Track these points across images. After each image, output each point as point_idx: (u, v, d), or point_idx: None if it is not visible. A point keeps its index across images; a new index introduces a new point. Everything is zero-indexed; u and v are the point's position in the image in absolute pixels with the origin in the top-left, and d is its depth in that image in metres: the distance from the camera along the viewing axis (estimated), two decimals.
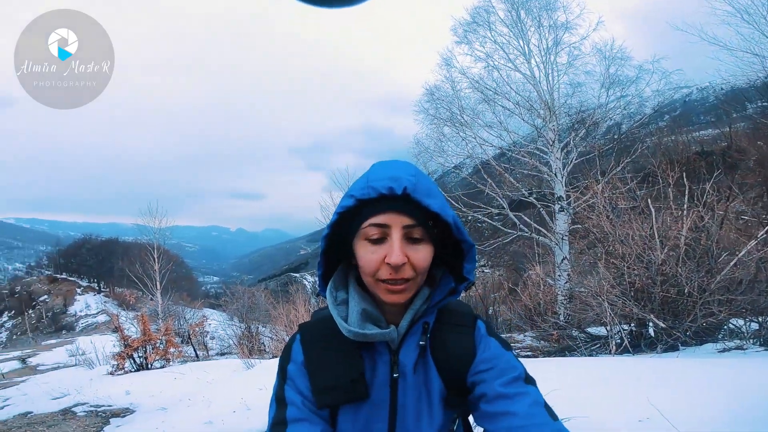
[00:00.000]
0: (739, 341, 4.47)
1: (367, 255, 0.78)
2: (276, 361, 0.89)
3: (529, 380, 0.81)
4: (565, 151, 11.29)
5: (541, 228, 11.18)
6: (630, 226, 5.53)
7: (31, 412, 5.75)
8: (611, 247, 5.74)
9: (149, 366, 8.18)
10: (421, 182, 0.78)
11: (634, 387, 2.70)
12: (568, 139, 11.35)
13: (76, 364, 10.08)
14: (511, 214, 11.41)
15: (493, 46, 11.58)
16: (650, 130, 12.20)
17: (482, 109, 11.96)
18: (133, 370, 8.05)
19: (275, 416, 0.82)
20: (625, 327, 5.47)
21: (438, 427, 0.84)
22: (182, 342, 12.03)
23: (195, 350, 12.12)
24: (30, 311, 42.82)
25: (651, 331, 5.21)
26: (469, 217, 11.79)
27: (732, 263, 4.83)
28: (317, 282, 0.90)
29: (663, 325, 4.78)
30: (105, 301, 46.19)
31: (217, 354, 12.92)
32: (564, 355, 5.74)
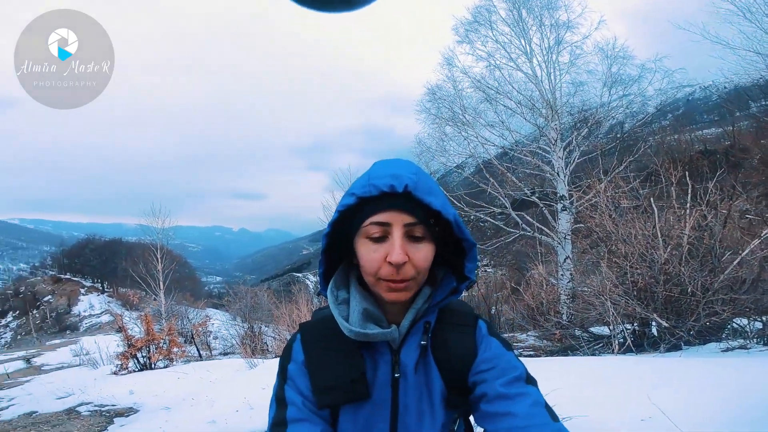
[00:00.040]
0: (742, 340, 4.46)
1: (368, 254, 0.77)
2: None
3: (530, 380, 0.80)
4: (567, 150, 11.25)
5: (543, 227, 11.15)
6: (633, 225, 5.52)
7: (36, 412, 5.79)
8: (614, 247, 5.72)
9: (153, 366, 8.22)
10: (422, 180, 0.77)
11: (636, 386, 2.70)
12: (571, 138, 11.31)
13: (80, 364, 10.13)
14: (513, 214, 11.38)
15: (494, 45, 11.55)
16: (653, 129, 12.15)
17: (484, 109, 11.92)
18: (136, 369, 8.09)
19: (275, 416, 0.81)
20: (628, 326, 5.45)
21: (440, 427, 0.84)
22: (185, 342, 12.05)
23: (198, 350, 12.14)
24: (34, 311, 43.02)
25: (654, 330, 5.20)
26: (472, 217, 11.76)
27: (735, 262, 4.81)
28: (318, 281, 0.90)
29: (666, 325, 4.77)
30: (109, 301, 46.30)
31: (220, 354, 12.94)
32: (567, 355, 5.73)
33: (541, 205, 11.42)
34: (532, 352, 6.71)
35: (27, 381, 8.53)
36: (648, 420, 2.20)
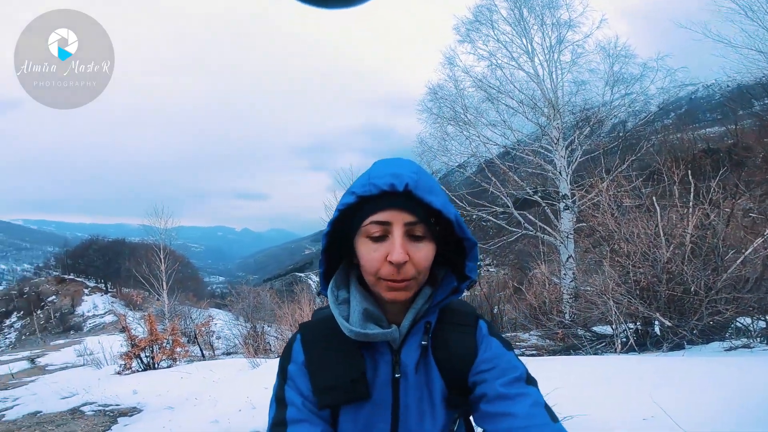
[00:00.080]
0: (746, 340, 4.43)
1: (368, 253, 0.77)
2: None
3: (530, 381, 0.80)
4: (569, 149, 11.24)
5: (546, 226, 11.14)
6: (635, 224, 5.50)
7: (41, 412, 5.81)
8: (616, 246, 5.71)
9: (156, 365, 8.25)
10: (422, 179, 0.77)
11: (638, 385, 2.69)
12: (573, 137, 11.30)
13: (84, 364, 10.17)
14: (515, 213, 11.37)
15: (496, 44, 11.56)
16: (655, 128, 12.12)
17: (486, 108, 11.93)
18: (140, 369, 8.12)
19: (275, 416, 0.81)
20: (631, 326, 5.44)
21: (440, 427, 0.84)
22: (188, 342, 12.09)
23: (201, 350, 12.18)
24: (38, 312, 43.25)
25: (657, 329, 5.19)
26: (474, 216, 11.76)
27: (739, 261, 4.79)
28: (319, 281, 0.89)
29: (669, 324, 4.76)
30: (112, 302, 46.53)
31: (223, 353, 12.97)
32: (569, 354, 5.72)
33: (544, 204, 11.41)
34: (534, 352, 6.70)
35: (31, 381, 8.57)
36: (650, 419, 2.19)
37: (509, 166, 11.92)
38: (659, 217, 5.30)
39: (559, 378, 2.73)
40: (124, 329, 8.51)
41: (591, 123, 11.28)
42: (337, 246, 0.85)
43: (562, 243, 10.71)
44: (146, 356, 8.23)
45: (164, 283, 16.99)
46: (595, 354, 5.38)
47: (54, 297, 48.73)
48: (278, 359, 0.90)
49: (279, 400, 0.83)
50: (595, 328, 6.21)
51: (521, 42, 11.37)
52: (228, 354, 12.57)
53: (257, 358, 7.61)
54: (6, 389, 7.79)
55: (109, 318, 37.51)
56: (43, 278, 57.30)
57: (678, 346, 4.69)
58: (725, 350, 4.26)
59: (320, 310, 0.98)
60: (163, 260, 17.04)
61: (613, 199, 6.49)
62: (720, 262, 4.88)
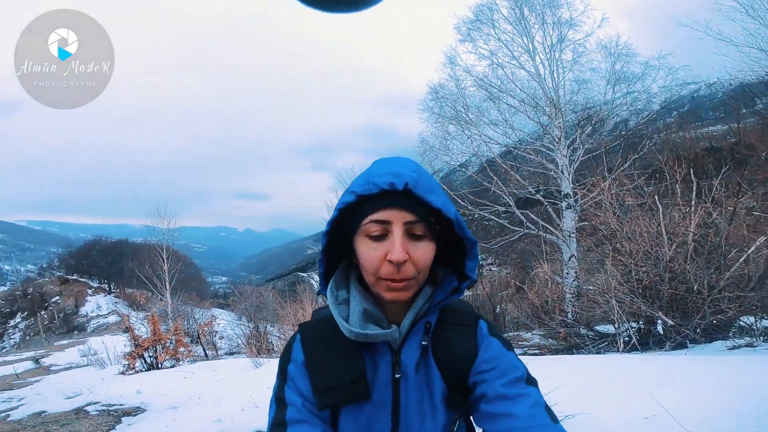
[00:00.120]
0: (749, 339, 4.42)
1: (368, 252, 0.76)
2: None
3: (531, 381, 0.80)
4: (571, 148, 11.22)
5: (548, 225, 11.12)
6: (637, 222, 5.50)
7: (45, 411, 5.86)
8: (619, 244, 5.70)
9: (159, 365, 8.28)
10: (422, 178, 0.76)
11: (640, 385, 2.69)
12: (575, 136, 11.27)
13: (88, 364, 10.22)
14: (517, 212, 11.35)
15: (497, 43, 11.54)
16: (658, 127, 12.09)
17: (487, 107, 11.92)
18: (143, 369, 8.16)
19: (275, 417, 0.81)
20: (633, 325, 5.44)
21: (441, 427, 0.83)
22: (192, 342, 12.14)
23: (204, 350, 12.23)
24: (42, 312, 43.43)
25: (659, 328, 5.17)
26: (476, 215, 11.75)
27: (741, 259, 4.78)
28: (319, 281, 0.89)
29: (671, 323, 4.75)
30: (115, 302, 46.67)
31: (225, 353, 13.02)
32: (572, 353, 5.71)
33: (546, 203, 11.39)
34: (537, 351, 6.70)
35: (36, 381, 8.63)
36: (651, 418, 2.19)
37: (511, 165, 11.91)
38: (661, 215, 5.29)
39: (561, 377, 2.74)
40: (127, 329, 8.55)
41: (593, 122, 11.25)
42: (337, 245, 0.84)
43: (564, 242, 10.70)
44: (150, 356, 8.26)
45: (167, 284, 17.01)
46: (597, 353, 5.37)
47: (58, 297, 48.92)
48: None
49: (279, 401, 0.82)
50: (597, 327, 6.20)
51: (522, 41, 11.36)
52: (231, 354, 12.62)
53: (260, 357, 7.63)
54: (11, 389, 7.85)
55: (112, 318, 37.63)
56: (46, 279, 57.50)
57: (681, 345, 4.68)
58: (728, 349, 4.25)
59: (320, 310, 0.97)
60: (166, 260, 17.07)
61: (616, 198, 6.49)
62: (723, 261, 4.87)
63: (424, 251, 0.77)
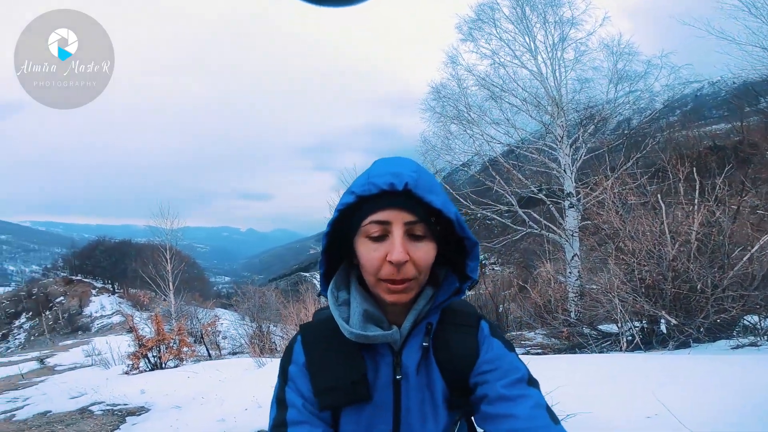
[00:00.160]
0: (753, 338, 4.41)
1: (368, 253, 0.76)
2: None
3: (532, 382, 0.79)
4: (574, 147, 11.18)
5: (550, 225, 11.10)
6: (640, 221, 5.48)
7: (50, 411, 5.89)
8: (622, 244, 5.68)
9: (163, 365, 8.32)
10: (422, 178, 0.76)
11: (643, 384, 2.69)
12: (577, 135, 11.24)
13: (92, 364, 10.25)
14: (520, 211, 11.33)
15: (498, 43, 11.51)
16: (660, 125, 12.03)
17: (489, 107, 11.90)
18: (147, 369, 8.19)
19: (276, 418, 0.81)
20: (637, 324, 5.42)
21: (442, 428, 0.83)
22: (195, 341, 12.17)
23: (207, 349, 12.26)
24: (47, 312, 43.59)
25: (663, 327, 5.16)
26: (479, 215, 11.74)
27: (745, 258, 4.76)
28: (320, 282, 0.89)
29: (675, 322, 4.74)
30: (119, 302, 46.81)
31: (229, 353, 13.05)
32: (575, 353, 5.70)
33: (548, 202, 11.37)
34: (540, 350, 6.69)
35: (41, 381, 8.67)
36: (653, 417, 2.19)
37: (513, 164, 11.88)
38: (664, 214, 5.28)
39: (564, 376, 2.74)
40: (131, 329, 8.59)
41: (595, 121, 11.22)
42: (338, 246, 0.84)
43: (567, 241, 10.68)
44: (153, 356, 8.30)
45: (170, 284, 17.05)
46: (600, 352, 5.37)
47: (62, 298, 49.12)
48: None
49: (280, 402, 0.83)
50: (600, 327, 6.19)
51: (524, 40, 11.33)
52: (234, 353, 12.64)
53: (263, 357, 7.65)
54: (16, 389, 7.90)
55: (116, 318, 37.76)
56: (51, 279, 57.73)
57: (684, 345, 4.66)
58: (732, 348, 4.24)
59: (321, 310, 0.97)
60: (169, 261, 17.10)
61: (618, 197, 6.47)
62: (726, 260, 4.86)
63: (425, 252, 0.76)
